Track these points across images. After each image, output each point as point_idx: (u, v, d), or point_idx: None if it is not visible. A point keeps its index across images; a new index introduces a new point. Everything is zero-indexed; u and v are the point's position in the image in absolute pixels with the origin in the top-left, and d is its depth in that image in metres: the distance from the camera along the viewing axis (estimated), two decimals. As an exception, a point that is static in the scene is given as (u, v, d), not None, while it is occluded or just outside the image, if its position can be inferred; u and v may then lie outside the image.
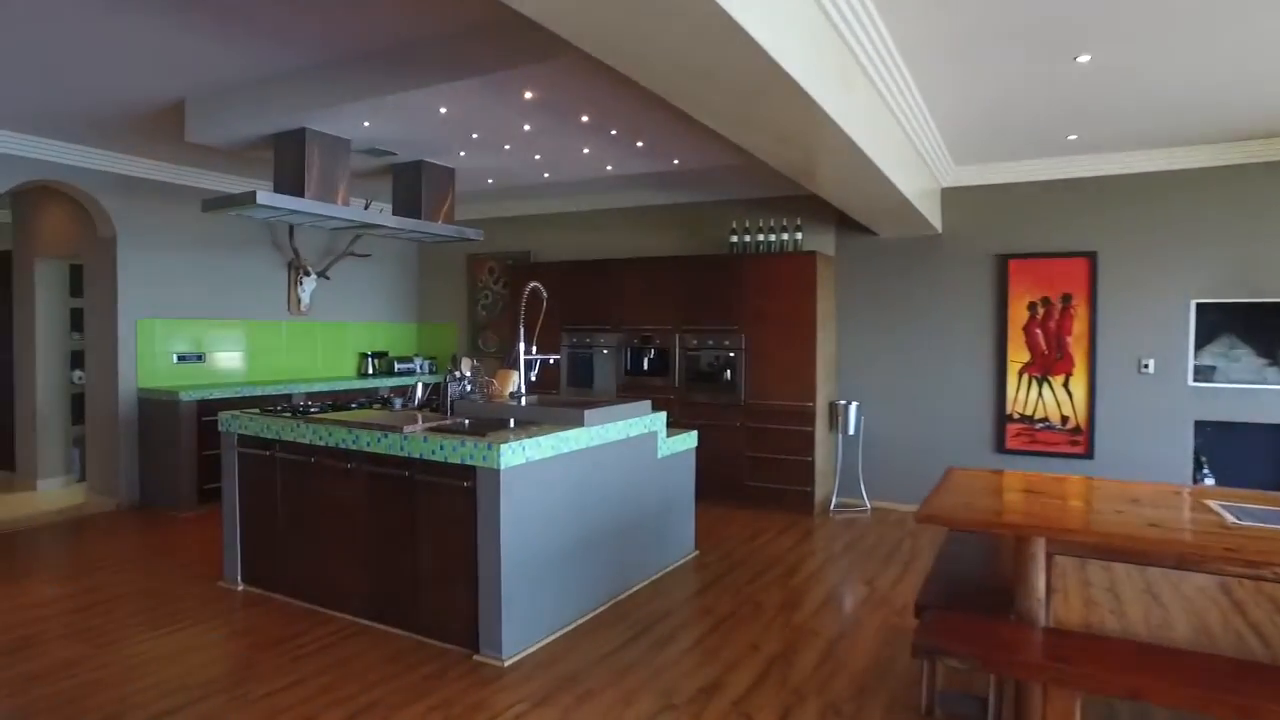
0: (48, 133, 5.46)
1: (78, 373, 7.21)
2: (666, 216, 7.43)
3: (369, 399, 4.91)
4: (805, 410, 6.24)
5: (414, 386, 4.74)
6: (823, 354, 6.34)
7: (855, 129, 3.55)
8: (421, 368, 8.33)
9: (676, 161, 5.20)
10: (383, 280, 8.46)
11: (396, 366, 8.10)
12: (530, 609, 3.60)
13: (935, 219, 6.08)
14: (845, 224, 6.60)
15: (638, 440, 4.47)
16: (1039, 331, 5.90)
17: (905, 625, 3.94)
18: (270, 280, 7.30)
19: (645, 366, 7.02)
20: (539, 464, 3.64)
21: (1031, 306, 5.93)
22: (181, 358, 6.60)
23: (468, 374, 4.95)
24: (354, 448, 3.84)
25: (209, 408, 6.18)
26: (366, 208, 5.84)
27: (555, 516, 3.78)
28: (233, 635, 3.78)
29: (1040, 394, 5.90)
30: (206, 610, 4.10)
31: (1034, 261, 5.92)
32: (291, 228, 7.22)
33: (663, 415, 4.75)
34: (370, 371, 8.05)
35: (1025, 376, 5.95)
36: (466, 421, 3.93)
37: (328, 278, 7.70)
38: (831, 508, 6.49)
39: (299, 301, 7.50)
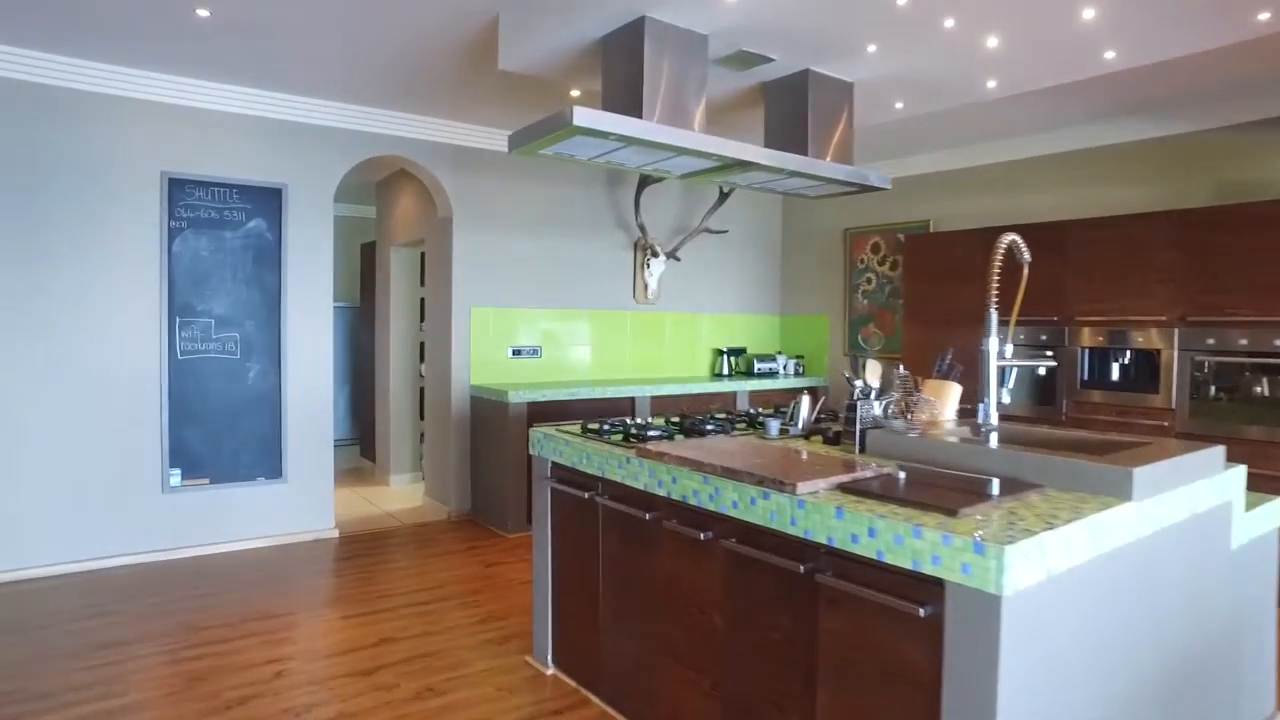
0: (377, 101, 4.81)
1: (424, 366, 6.79)
2: (1143, 157, 5.03)
3: (731, 416, 3.44)
4: None
5: (797, 401, 3.15)
6: None
7: None
8: (785, 368, 6.80)
9: (1265, 17, 2.96)
10: (740, 263, 7.07)
11: (756, 366, 6.66)
12: None
13: None
14: None
15: (1205, 519, 2.42)
16: None
17: None
18: (614, 264, 6.24)
19: (1115, 377, 4.73)
20: (1064, 577, 1.82)
21: None
22: (516, 352, 5.77)
23: (873, 383, 3.27)
24: (711, 507, 2.33)
25: (540, 411, 5.21)
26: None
27: (1080, 669, 1.92)
28: (529, 774, 2.49)
29: None
30: (500, 707, 2.89)
31: None
32: (638, 198, 6.08)
33: (1240, 473, 2.62)
34: (726, 371, 6.70)
35: None
36: (902, 476, 2.23)
37: (678, 259, 6.47)
38: None
39: (645, 288, 6.37)
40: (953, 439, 2.46)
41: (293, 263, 4.96)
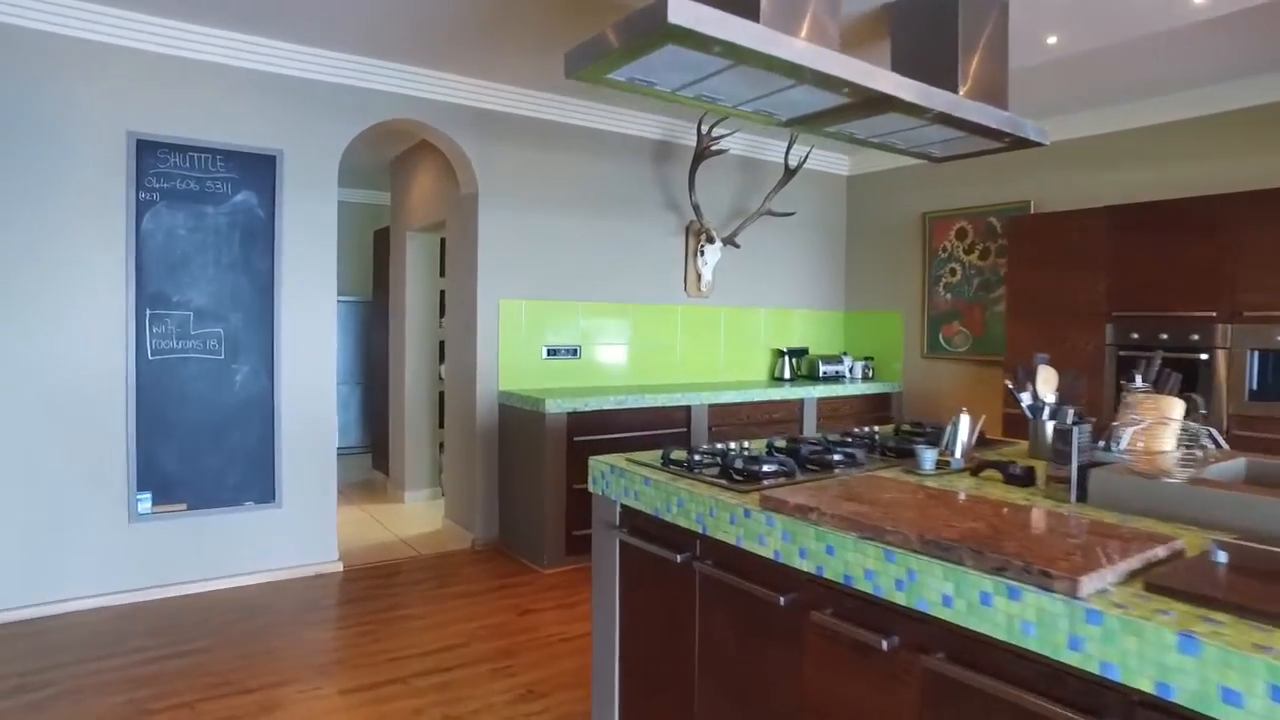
0: (390, 54, 4.00)
1: (444, 368, 5.99)
2: (1322, 117, 4.14)
3: (850, 439, 2.59)
4: None
5: (954, 424, 2.31)
6: None
7: None
8: (853, 372, 5.94)
9: None
10: (799, 253, 6.21)
11: (821, 369, 5.80)
12: None
13: None
14: None
15: None
16: None
17: None
18: (664, 250, 5.41)
19: (1294, 386, 3.84)
20: None
21: None
22: (552, 351, 4.94)
23: (1047, 397, 2.48)
24: (898, 600, 1.48)
25: (582, 423, 4.38)
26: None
27: None
28: None
29: None
30: None
31: None
32: (693, 174, 5.21)
33: None
34: (787, 375, 5.85)
35: None
36: (1221, 558, 1.37)
37: (737, 245, 5.62)
38: None
39: (699, 279, 5.53)
40: (1196, 481, 1.61)
41: (289, 244, 4.16)
